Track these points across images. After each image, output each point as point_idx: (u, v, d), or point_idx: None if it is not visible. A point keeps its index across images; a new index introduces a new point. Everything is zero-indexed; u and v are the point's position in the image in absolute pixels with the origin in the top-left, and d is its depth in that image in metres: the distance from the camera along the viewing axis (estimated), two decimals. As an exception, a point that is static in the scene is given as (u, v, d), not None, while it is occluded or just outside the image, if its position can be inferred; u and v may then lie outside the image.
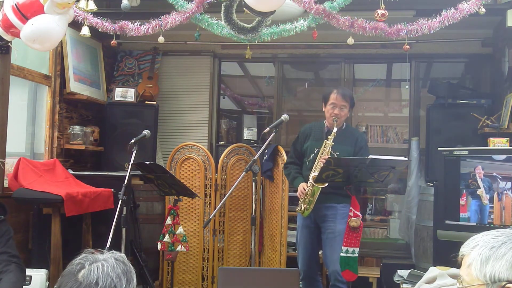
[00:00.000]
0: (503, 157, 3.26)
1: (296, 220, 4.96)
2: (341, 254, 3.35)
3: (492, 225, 3.24)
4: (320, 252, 3.88)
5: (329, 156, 3.52)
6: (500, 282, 1.26)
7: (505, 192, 3.20)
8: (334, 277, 3.57)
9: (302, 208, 3.61)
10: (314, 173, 3.53)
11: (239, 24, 3.51)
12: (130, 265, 1.42)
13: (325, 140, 3.63)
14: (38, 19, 2.91)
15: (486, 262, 1.29)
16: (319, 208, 3.63)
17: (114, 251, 1.43)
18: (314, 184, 3.49)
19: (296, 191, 3.73)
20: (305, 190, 3.58)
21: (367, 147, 3.86)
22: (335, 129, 3.60)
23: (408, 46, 3.39)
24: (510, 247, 1.28)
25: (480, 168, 3.28)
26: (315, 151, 3.71)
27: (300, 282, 3.91)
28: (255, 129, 5.88)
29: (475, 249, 1.32)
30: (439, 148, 3.63)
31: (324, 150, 3.59)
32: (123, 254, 1.43)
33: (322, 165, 3.45)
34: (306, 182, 3.64)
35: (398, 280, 3.49)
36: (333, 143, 3.58)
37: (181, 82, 5.73)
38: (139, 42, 5.34)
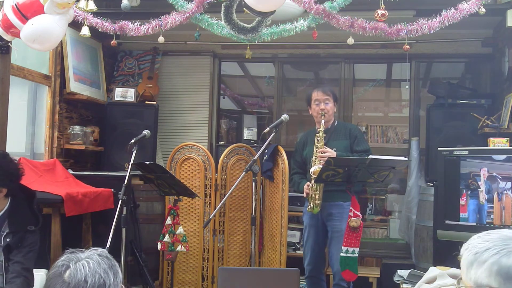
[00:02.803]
0: (503, 157, 3.26)
1: (296, 220, 4.99)
2: (341, 254, 3.36)
3: (492, 225, 3.23)
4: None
5: (325, 147, 3.58)
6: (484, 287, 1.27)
7: (505, 192, 3.19)
8: (338, 277, 3.59)
9: (311, 205, 3.63)
10: (313, 168, 3.58)
11: (239, 24, 3.51)
12: (113, 259, 1.42)
13: (316, 135, 3.69)
14: (38, 19, 2.91)
15: (470, 267, 1.30)
16: (325, 207, 3.68)
17: (95, 248, 1.42)
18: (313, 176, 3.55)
19: (296, 191, 3.76)
20: (309, 186, 3.62)
21: (362, 136, 3.95)
22: (323, 121, 3.68)
23: (408, 46, 3.39)
24: (491, 254, 1.28)
25: (486, 170, 3.28)
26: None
27: (304, 281, 3.93)
28: (255, 129, 5.89)
29: (465, 252, 1.35)
30: (439, 148, 3.63)
31: (318, 144, 3.65)
32: (104, 250, 1.42)
33: (319, 159, 3.57)
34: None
35: (398, 280, 3.49)
36: (324, 135, 3.64)
37: (181, 82, 5.73)
38: (139, 42, 5.34)
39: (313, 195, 3.61)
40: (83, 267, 1.33)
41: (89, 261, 1.35)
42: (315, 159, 3.65)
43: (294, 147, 4.15)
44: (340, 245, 3.54)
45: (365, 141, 3.90)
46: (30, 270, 2.83)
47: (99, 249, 1.41)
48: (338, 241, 3.63)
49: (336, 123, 3.88)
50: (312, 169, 3.58)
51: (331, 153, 3.59)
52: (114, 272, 1.37)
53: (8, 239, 2.80)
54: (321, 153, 3.60)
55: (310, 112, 3.88)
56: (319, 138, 3.67)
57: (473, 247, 1.33)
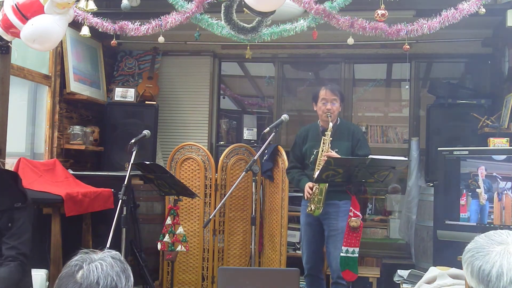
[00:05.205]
0: (503, 157, 3.26)
1: (296, 220, 4.99)
2: (341, 254, 3.35)
3: (492, 225, 3.23)
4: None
5: (330, 151, 3.55)
6: None
7: (505, 192, 3.19)
8: (336, 275, 3.59)
9: (313, 208, 3.62)
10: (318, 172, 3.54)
11: (239, 24, 3.50)
12: (126, 262, 1.41)
13: (322, 137, 3.65)
14: (38, 19, 2.91)
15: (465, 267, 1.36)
16: None
17: (109, 250, 1.42)
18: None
19: (296, 191, 3.72)
20: (311, 190, 3.59)
21: (365, 139, 3.93)
22: (331, 124, 3.64)
23: (408, 46, 3.38)
24: (468, 256, 1.34)
25: (483, 168, 3.28)
26: (314, 152, 3.74)
27: (303, 279, 3.93)
28: (255, 129, 5.89)
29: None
30: (439, 148, 3.63)
31: (323, 147, 3.62)
32: (118, 252, 1.42)
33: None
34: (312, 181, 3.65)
35: (398, 280, 3.49)
36: (331, 138, 3.61)
37: (181, 82, 5.73)
38: (139, 42, 5.34)
39: (316, 199, 3.60)
40: (96, 269, 1.32)
41: (102, 263, 1.34)
42: (320, 162, 3.60)
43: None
44: (337, 244, 3.54)
45: (367, 145, 3.89)
46: (26, 255, 2.79)
47: (113, 251, 1.40)
48: (335, 239, 3.63)
49: (338, 122, 3.84)
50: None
51: (337, 156, 3.54)
52: (126, 276, 1.36)
53: None
54: (327, 157, 3.55)
55: (315, 109, 3.84)
56: (325, 140, 3.62)
57: (466, 249, 1.37)
